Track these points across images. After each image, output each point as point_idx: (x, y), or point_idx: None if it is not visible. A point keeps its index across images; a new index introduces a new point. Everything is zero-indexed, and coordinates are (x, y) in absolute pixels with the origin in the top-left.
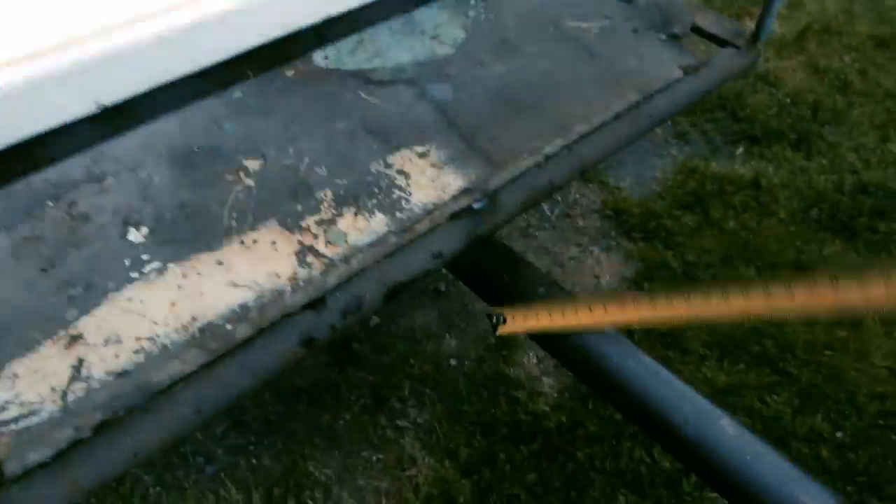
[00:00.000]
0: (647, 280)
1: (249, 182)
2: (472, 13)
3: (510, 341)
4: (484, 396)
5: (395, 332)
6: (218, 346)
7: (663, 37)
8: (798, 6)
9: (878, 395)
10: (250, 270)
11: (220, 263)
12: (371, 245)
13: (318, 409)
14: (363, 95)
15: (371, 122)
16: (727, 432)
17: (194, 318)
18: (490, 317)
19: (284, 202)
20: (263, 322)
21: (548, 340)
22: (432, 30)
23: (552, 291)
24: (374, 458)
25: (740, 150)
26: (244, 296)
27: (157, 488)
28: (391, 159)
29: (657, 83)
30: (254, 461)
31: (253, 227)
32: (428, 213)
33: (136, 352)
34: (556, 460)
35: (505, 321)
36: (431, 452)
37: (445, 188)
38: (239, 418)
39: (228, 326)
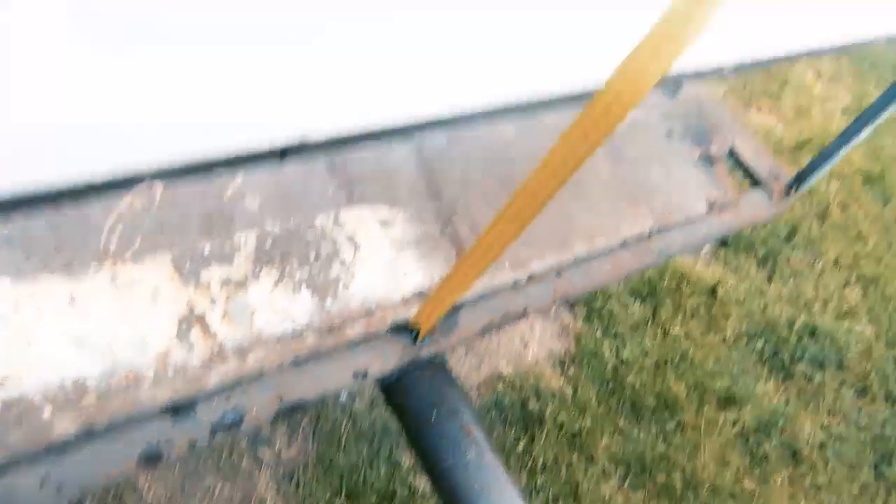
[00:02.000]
0: (573, 364)
1: (155, 187)
2: None
3: None
4: (363, 451)
5: None
6: (21, 440)
7: (697, 153)
8: (805, 114)
9: None
10: (110, 327)
11: (72, 301)
12: (281, 339)
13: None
14: None
15: (338, 153)
16: None
17: (4, 380)
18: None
19: (191, 233)
20: (100, 418)
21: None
22: None
23: (482, 459)
24: (218, 488)
25: (707, 248)
26: (87, 366)
27: None
28: (345, 216)
29: (677, 214)
30: None
31: (137, 259)
32: (367, 312)
33: None
34: None
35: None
36: (285, 502)
37: (399, 282)
38: None
39: (47, 412)
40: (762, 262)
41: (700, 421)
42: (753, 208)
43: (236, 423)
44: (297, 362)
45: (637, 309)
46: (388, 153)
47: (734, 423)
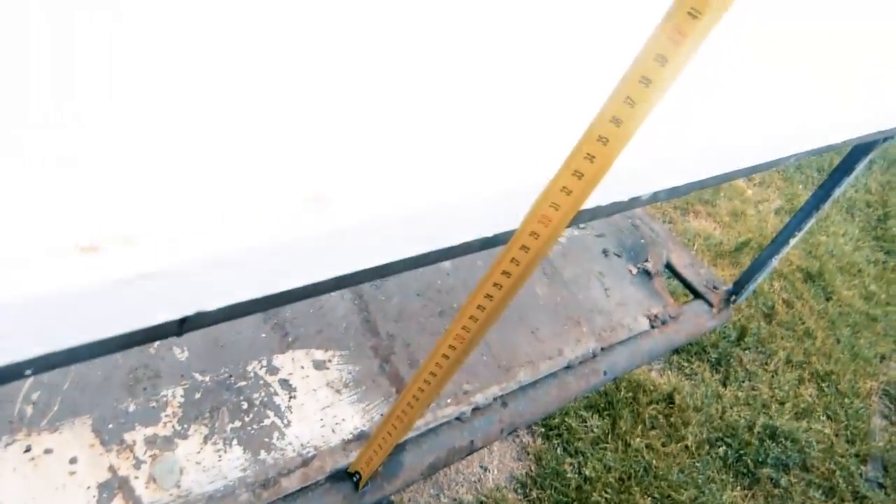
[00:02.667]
0: (536, 487)
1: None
2: None
3: None
4: None
5: None
6: None
7: (634, 270)
8: (740, 217)
9: None
10: None
11: None
12: (211, 499)
13: None
14: None
15: None
16: None
17: None
18: (350, 476)
19: (113, 392)
20: None
21: None
22: None
23: None
24: None
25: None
26: None
27: None
28: (279, 360)
29: (619, 332)
30: None
31: (53, 426)
32: (304, 461)
33: None
34: None
35: (360, 475)
36: None
37: (337, 426)
38: None
39: None
40: (715, 366)
41: None
42: (695, 320)
43: None
44: None
45: (595, 423)
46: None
47: None
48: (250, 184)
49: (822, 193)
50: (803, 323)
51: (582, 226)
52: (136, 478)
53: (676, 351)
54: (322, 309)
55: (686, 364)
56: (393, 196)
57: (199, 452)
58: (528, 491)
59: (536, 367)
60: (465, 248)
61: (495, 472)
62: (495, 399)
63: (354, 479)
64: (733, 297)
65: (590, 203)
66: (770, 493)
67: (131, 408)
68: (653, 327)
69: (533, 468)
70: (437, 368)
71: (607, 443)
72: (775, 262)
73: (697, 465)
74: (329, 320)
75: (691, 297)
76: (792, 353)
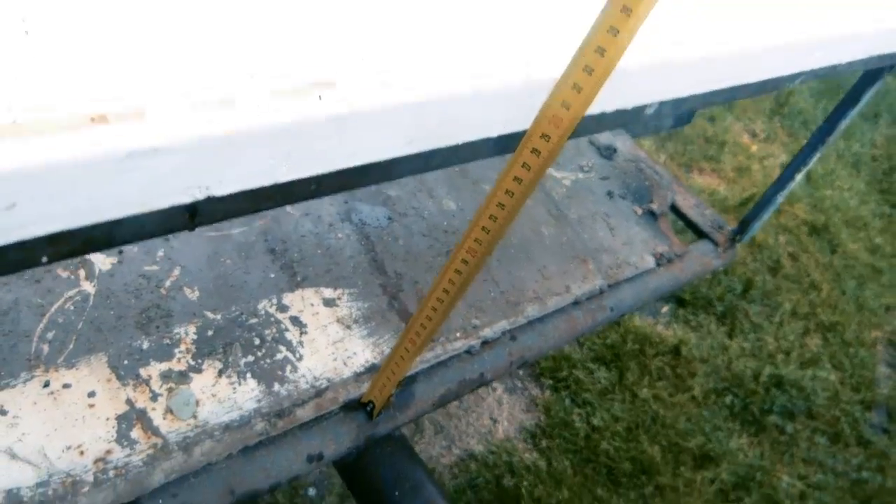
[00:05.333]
0: (546, 436)
1: (89, 287)
2: None
3: None
4: None
5: None
6: None
7: (639, 210)
8: (745, 173)
9: None
10: (44, 435)
11: (2, 412)
12: (228, 428)
13: None
14: None
15: (277, 237)
16: None
17: None
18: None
19: (127, 331)
20: None
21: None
22: None
23: None
24: None
25: (666, 308)
26: (21, 477)
27: None
28: (288, 299)
29: (626, 269)
30: None
31: (70, 362)
32: (318, 392)
33: None
34: None
35: (374, 404)
36: None
37: (348, 359)
38: None
39: None
40: (721, 319)
41: (678, 482)
42: (701, 259)
43: None
44: (247, 451)
45: (603, 375)
46: (329, 232)
47: (712, 482)
48: (260, 65)
49: (828, 127)
50: (809, 275)
51: (586, 169)
52: (154, 410)
53: (682, 304)
54: (329, 249)
55: (692, 317)
56: (401, 84)
57: (213, 385)
58: (537, 441)
59: (544, 302)
60: (472, 149)
61: (505, 423)
62: (504, 333)
63: (368, 408)
64: (738, 237)
65: (595, 108)
66: (776, 440)
67: (145, 345)
68: (658, 265)
69: (542, 419)
70: (450, 285)
71: (615, 394)
72: (780, 199)
73: (704, 413)
74: (336, 260)
75: (696, 238)
76: (797, 304)
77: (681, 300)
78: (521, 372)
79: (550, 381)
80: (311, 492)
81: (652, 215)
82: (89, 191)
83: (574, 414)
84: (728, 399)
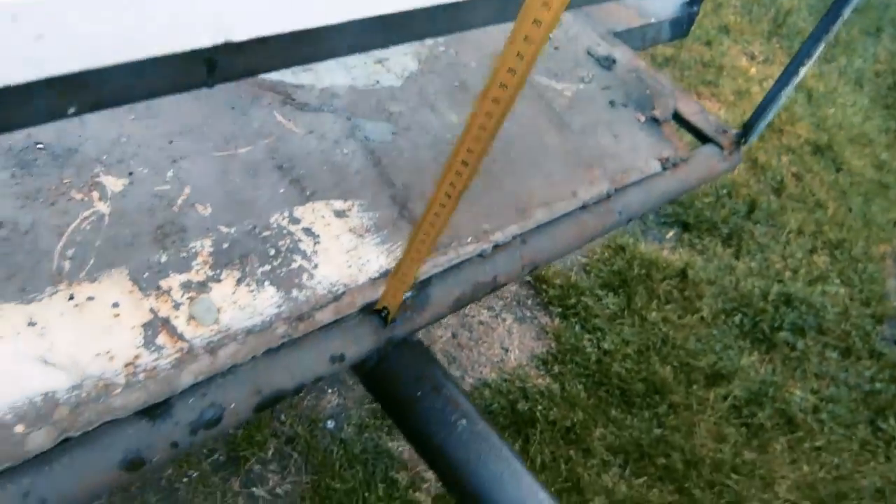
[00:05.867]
0: (558, 362)
1: (103, 208)
2: (429, 41)
3: None
4: (359, 473)
5: None
6: None
7: (642, 118)
8: (745, 96)
9: None
10: (73, 343)
11: (32, 324)
12: (251, 332)
13: None
14: (279, 118)
15: (284, 154)
16: None
17: None
18: (379, 313)
19: (145, 247)
20: (74, 428)
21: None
22: (379, 51)
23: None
24: None
25: (671, 234)
26: (55, 382)
27: None
28: (300, 212)
29: (632, 174)
30: None
31: (92, 277)
32: (335, 297)
33: None
34: None
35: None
36: None
37: (363, 266)
38: None
39: (20, 428)
40: (727, 241)
41: (691, 400)
42: (707, 162)
43: (216, 420)
44: (271, 353)
45: (611, 301)
46: (334, 149)
47: (725, 398)
48: None
49: (831, 17)
50: (814, 195)
51: (587, 80)
52: (177, 317)
53: (687, 228)
54: (336, 165)
55: (697, 241)
56: None
57: (233, 294)
58: (549, 367)
59: (552, 207)
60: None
61: (516, 352)
62: (514, 238)
63: (383, 314)
64: (743, 140)
65: None
66: (787, 356)
67: (163, 258)
68: (664, 169)
69: (553, 346)
70: (457, 177)
71: (624, 318)
72: (784, 98)
73: (714, 333)
74: (344, 175)
75: (701, 144)
76: (803, 223)
77: (686, 224)
78: (529, 301)
79: (559, 309)
80: (330, 424)
81: (655, 122)
82: (113, 25)
83: (584, 340)
84: (737, 318)
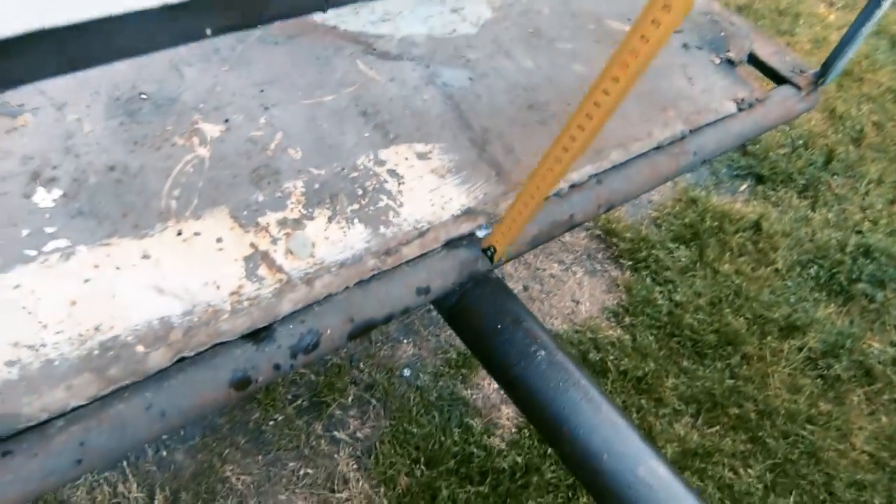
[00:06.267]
0: (629, 314)
1: (203, 152)
2: None
3: (471, 360)
4: (435, 419)
5: None
6: (121, 373)
7: (717, 60)
8: (822, 44)
9: (856, 484)
10: (183, 273)
11: (146, 257)
12: (343, 265)
13: (247, 404)
14: (362, 67)
15: (366, 101)
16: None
17: (97, 328)
18: (485, 252)
19: (243, 187)
20: (188, 349)
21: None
22: (455, 0)
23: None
24: (302, 471)
25: (745, 186)
26: (169, 308)
27: None
28: (384, 154)
29: (707, 115)
30: (163, 454)
31: (197, 214)
32: (420, 233)
33: (9, 363)
34: None
35: (495, 250)
36: (367, 476)
37: (445, 204)
38: None
39: (140, 348)
40: (803, 192)
41: (765, 352)
42: (783, 102)
43: (314, 345)
44: (362, 284)
45: (683, 253)
46: (415, 95)
47: (800, 350)
48: None
49: None
50: (895, 143)
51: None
52: (275, 251)
53: (761, 180)
54: (417, 110)
55: (772, 193)
56: None
57: (325, 230)
58: (620, 319)
59: (627, 148)
60: None
61: (587, 304)
62: (590, 177)
63: (488, 253)
64: (821, 80)
65: None
66: (865, 308)
67: (260, 198)
68: (740, 110)
69: (624, 298)
70: (587, 120)
71: (696, 271)
72: (866, 32)
73: (789, 285)
74: (425, 119)
75: (777, 85)
76: (884, 173)
77: (759, 176)
78: (599, 255)
79: (630, 263)
80: (406, 373)
81: (730, 64)
82: None
83: (656, 292)
84: (813, 270)
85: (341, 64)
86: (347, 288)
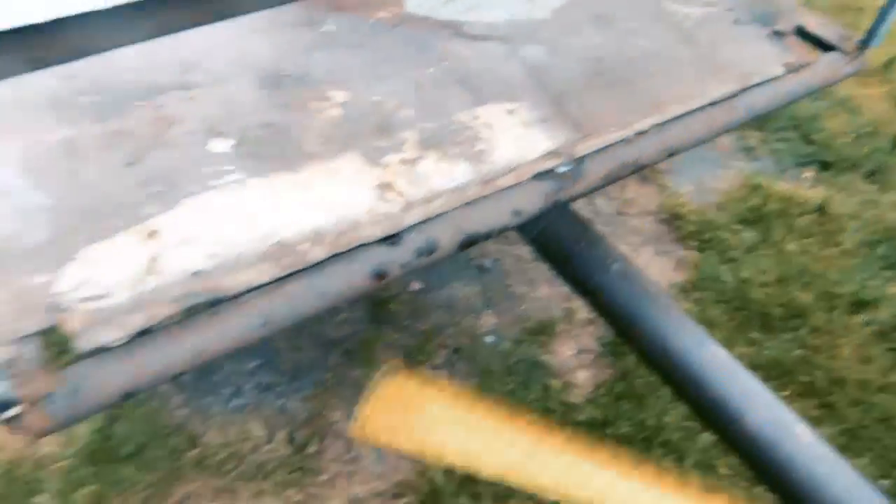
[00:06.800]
0: (696, 290)
1: (335, 112)
2: None
3: (549, 328)
4: (517, 379)
5: (435, 300)
6: (291, 262)
7: (766, 32)
8: (891, 36)
9: None
10: (330, 196)
11: (297, 184)
12: (452, 191)
13: (350, 362)
14: (454, 46)
15: (460, 73)
16: (801, 440)
17: (270, 233)
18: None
19: (368, 136)
20: (337, 248)
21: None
22: None
23: (625, 269)
24: None
25: (809, 173)
26: (321, 219)
27: (185, 410)
28: (478, 112)
29: (757, 77)
30: (281, 402)
31: (335, 156)
32: (511, 169)
33: (211, 255)
34: None
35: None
36: None
37: (531, 148)
38: (271, 358)
39: (302, 246)
40: (869, 176)
41: (833, 325)
42: (830, 66)
43: (432, 250)
44: (467, 205)
45: (748, 235)
46: (499, 66)
47: (869, 324)
48: None
49: None
50: None
51: (712, 3)
52: (399, 181)
53: (826, 167)
54: (503, 78)
55: (837, 178)
56: None
57: (435, 167)
58: (688, 294)
59: (685, 103)
60: None
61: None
62: (653, 126)
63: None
64: (866, 45)
65: None
66: None
67: (383, 144)
68: (789, 72)
69: (691, 275)
70: None
71: (761, 250)
72: None
73: (856, 263)
74: (510, 85)
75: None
76: None
77: (824, 163)
78: (666, 237)
79: (696, 243)
80: (489, 339)
81: (778, 35)
82: None
83: (722, 269)
84: (881, 250)
85: (437, 44)
86: (456, 208)
